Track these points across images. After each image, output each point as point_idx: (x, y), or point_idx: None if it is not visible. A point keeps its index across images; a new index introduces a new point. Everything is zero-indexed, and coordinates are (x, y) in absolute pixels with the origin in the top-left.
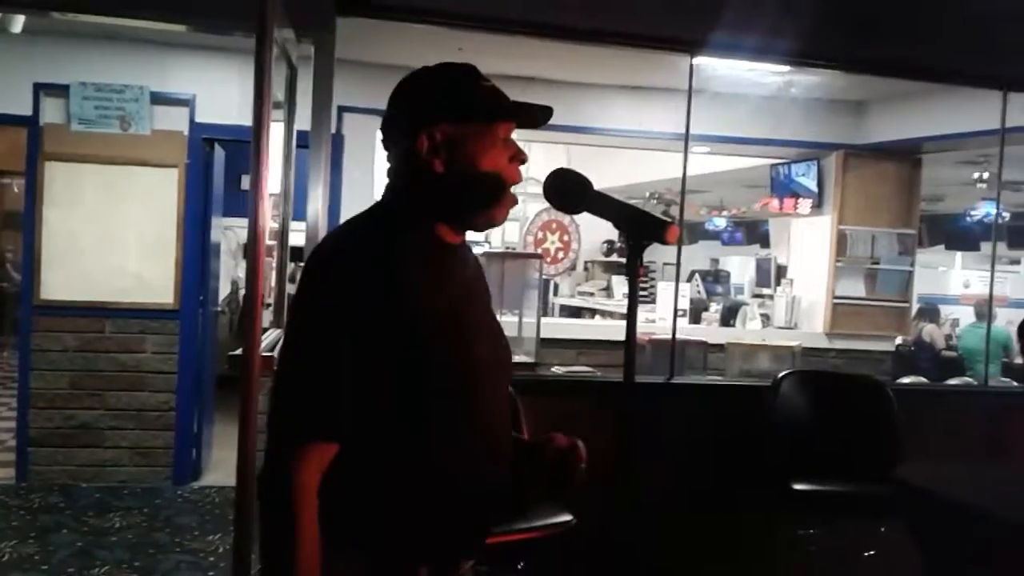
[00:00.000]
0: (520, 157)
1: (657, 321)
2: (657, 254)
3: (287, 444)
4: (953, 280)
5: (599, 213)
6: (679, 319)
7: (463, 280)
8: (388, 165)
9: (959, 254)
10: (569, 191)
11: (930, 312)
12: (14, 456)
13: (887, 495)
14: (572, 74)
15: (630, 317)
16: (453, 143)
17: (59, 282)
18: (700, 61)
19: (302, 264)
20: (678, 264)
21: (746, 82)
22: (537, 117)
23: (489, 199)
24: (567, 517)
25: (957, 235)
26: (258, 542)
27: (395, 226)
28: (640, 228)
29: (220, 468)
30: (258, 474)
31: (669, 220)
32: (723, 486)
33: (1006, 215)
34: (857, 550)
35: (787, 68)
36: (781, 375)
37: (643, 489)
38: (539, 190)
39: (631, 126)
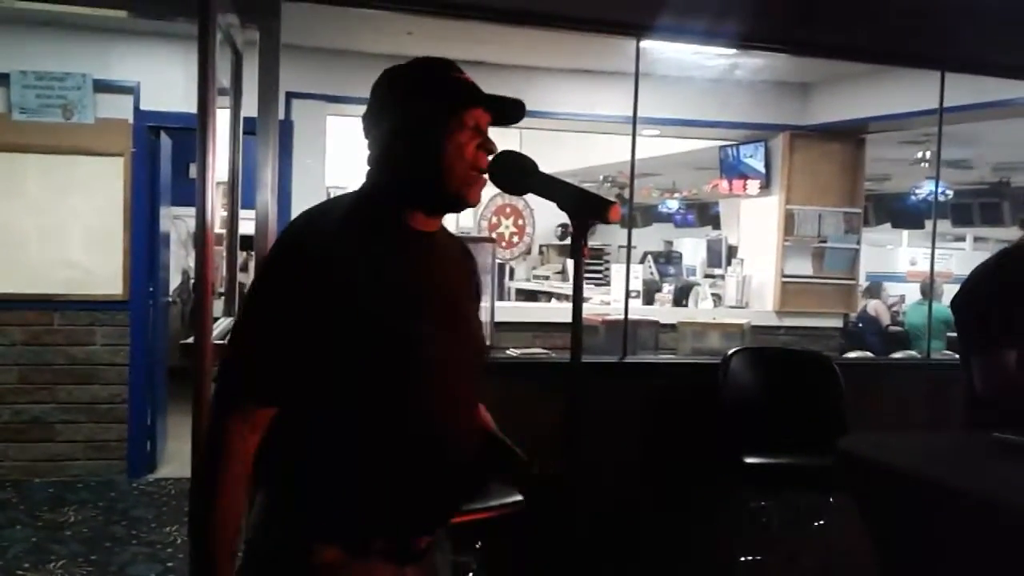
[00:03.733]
0: (487, 146)
1: (612, 303)
2: (611, 237)
3: (219, 402)
4: (900, 258)
5: (544, 194)
6: (632, 300)
7: (427, 266)
8: (368, 153)
9: (905, 232)
10: (514, 173)
11: (873, 288)
12: None
13: (833, 466)
14: (522, 58)
15: (576, 296)
16: (422, 131)
17: (4, 275)
18: (647, 44)
19: (252, 253)
20: (628, 246)
21: (693, 65)
22: (510, 110)
23: (456, 182)
24: (517, 497)
25: (903, 214)
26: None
27: (359, 209)
28: (584, 208)
29: (175, 460)
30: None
31: (611, 200)
32: (676, 461)
33: (949, 193)
34: (807, 520)
35: (733, 51)
36: (731, 352)
37: (598, 467)
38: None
39: (581, 110)
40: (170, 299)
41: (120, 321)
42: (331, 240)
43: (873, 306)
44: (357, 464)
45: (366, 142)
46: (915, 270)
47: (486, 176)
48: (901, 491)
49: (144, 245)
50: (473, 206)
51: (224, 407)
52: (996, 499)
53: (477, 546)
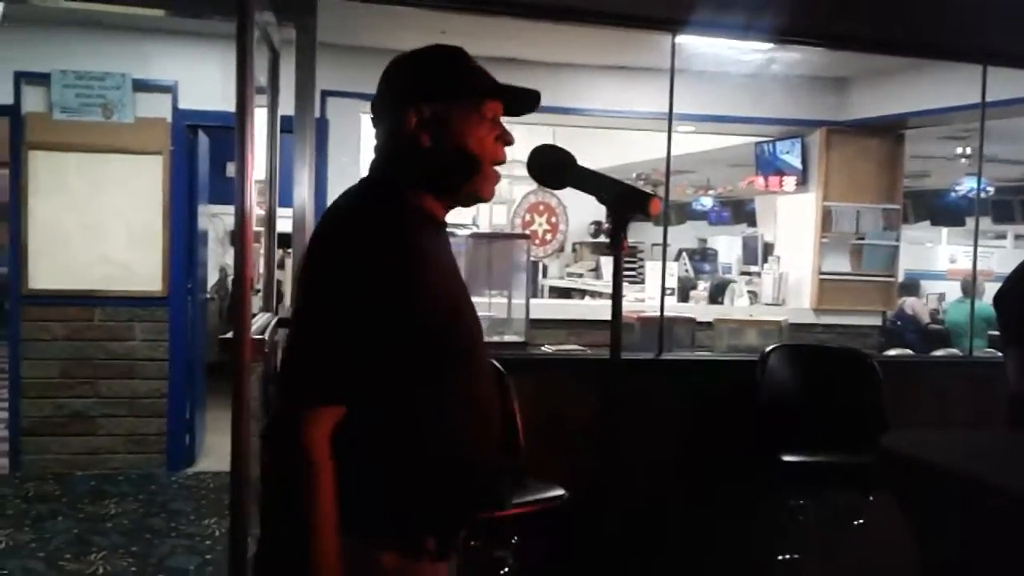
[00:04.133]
0: (505, 137)
1: (646, 300)
2: (645, 234)
3: (297, 405)
4: (940, 256)
5: (583, 188)
6: (667, 298)
7: (453, 255)
8: (375, 142)
9: (945, 230)
10: (553, 166)
11: (909, 286)
12: (7, 446)
13: (873, 464)
14: (556, 55)
15: (616, 290)
16: (440, 120)
17: (46, 272)
18: (682, 40)
19: (290, 250)
20: (664, 242)
21: (729, 60)
22: (524, 99)
23: (473, 174)
24: (559, 492)
25: (942, 211)
26: (264, 509)
27: (397, 200)
28: (623, 202)
29: (214, 453)
30: (262, 432)
31: (652, 194)
32: (713, 459)
33: (990, 190)
34: (846, 519)
35: (769, 46)
36: (768, 349)
37: (634, 463)
38: (525, 171)
39: (615, 106)
40: (208, 296)
41: (159, 317)
42: (384, 235)
43: (910, 304)
44: (416, 459)
45: (375, 130)
46: (955, 268)
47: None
48: (942, 488)
49: (183, 242)
50: (487, 201)
51: (304, 407)
52: None
53: (513, 541)
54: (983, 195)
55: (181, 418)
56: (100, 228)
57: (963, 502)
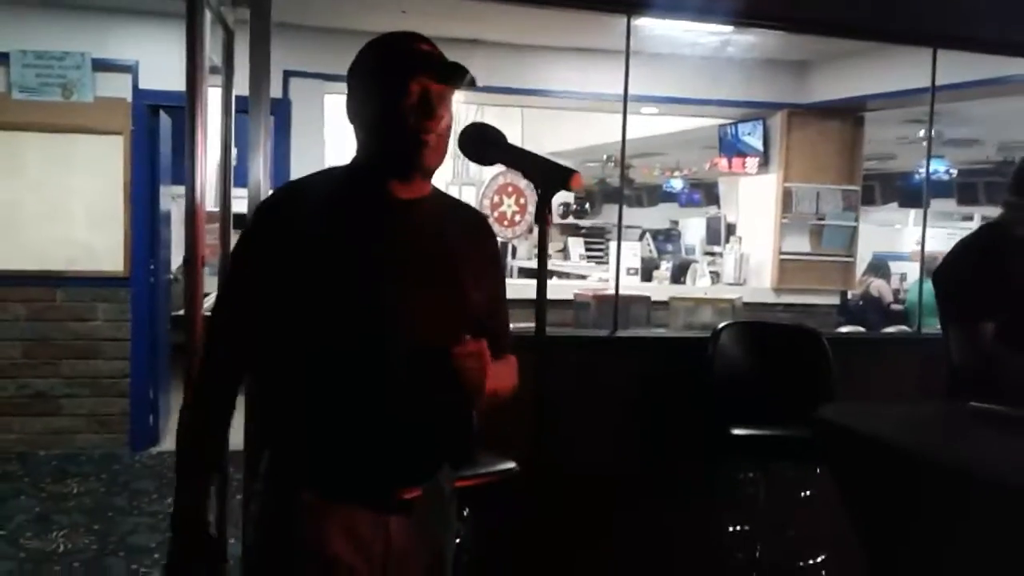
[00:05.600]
0: (427, 111)
1: (610, 280)
2: (614, 215)
3: (205, 362)
4: (907, 237)
5: (510, 164)
6: (631, 277)
7: (402, 231)
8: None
9: (912, 211)
10: (482, 143)
11: (879, 267)
12: None
13: (814, 436)
14: (518, 36)
15: (541, 268)
16: (370, 99)
17: (7, 252)
18: (644, 22)
19: None
20: (620, 222)
21: (690, 43)
22: (449, 72)
23: (399, 146)
24: (510, 465)
25: (908, 192)
26: None
27: (341, 179)
28: (548, 177)
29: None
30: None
31: (573, 169)
32: (666, 434)
33: (953, 172)
34: (794, 491)
35: (729, 29)
36: (720, 326)
37: (587, 438)
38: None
39: (579, 88)
40: (172, 276)
41: (121, 298)
42: (303, 207)
43: (876, 286)
44: (327, 415)
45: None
46: (918, 250)
47: (437, 143)
48: (875, 459)
49: (144, 223)
50: (426, 169)
51: (211, 364)
52: (969, 467)
53: (465, 513)
54: (946, 177)
55: (144, 398)
56: (61, 208)
57: (897, 473)
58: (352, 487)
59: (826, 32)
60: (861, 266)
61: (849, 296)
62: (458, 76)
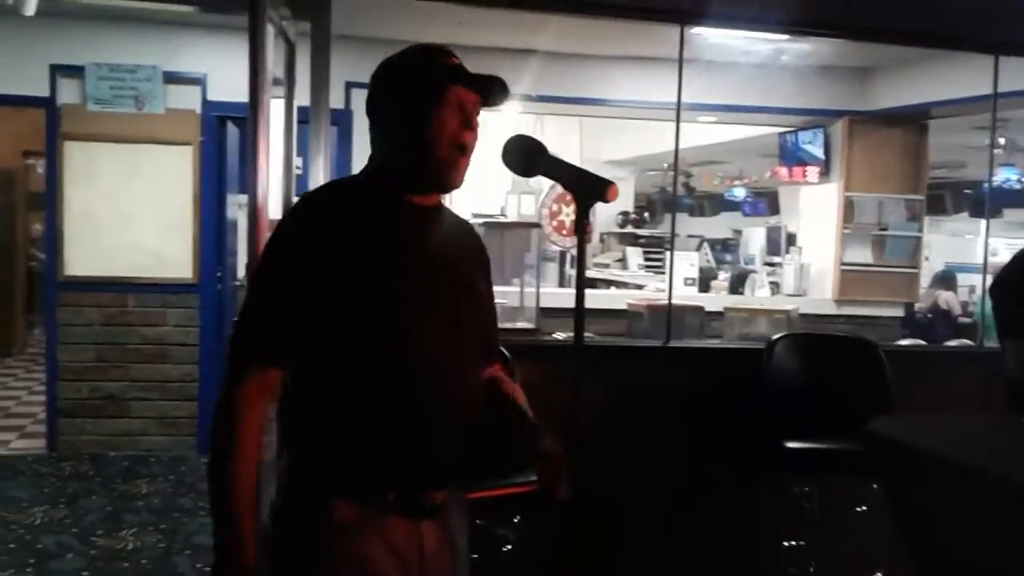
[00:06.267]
0: (469, 123)
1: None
2: (676, 225)
3: (233, 364)
4: (980, 248)
5: (551, 175)
6: (688, 288)
7: (423, 237)
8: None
9: (983, 221)
10: (522, 155)
11: (946, 279)
12: (45, 427)
13: (865, 450)
14: (574, 46)
15: (579, 278)
16: (407, 114)
17: (81, 259)
18: (704, 30)
19: None
20: (672, 232)
21: (750, 50)
22: (490, 87)
23: (438, 157)
24: None
25: (979, 202)
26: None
27: (362, 186)
28: (584, 188)
29: None
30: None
31: (609, 180)
32: (718, 445)
33: None
34: (849, 505)
35: (783, 36)
36: (775, 337)
37: (639, 448)
38: None
39: (636, 96)
40: (238, 283)
41: (190, 303)
42: (334, 212)
43: (945, 298)
44: (364, 422)
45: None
46: (996, 261)
47: (467, 158)
48: (925, 473)
49: (212, 230)
50: (454, 187)
51: (238, 369)
52: (1019, 481)
53: (515, 520)
54: (1020, 186)
55: (211, 402)
56: (133, 216)
57: (946, 487)
58: (391, 494)
59: (884, 39)
60: (928, 277)
61: (916, 308)
62: (497, 89)
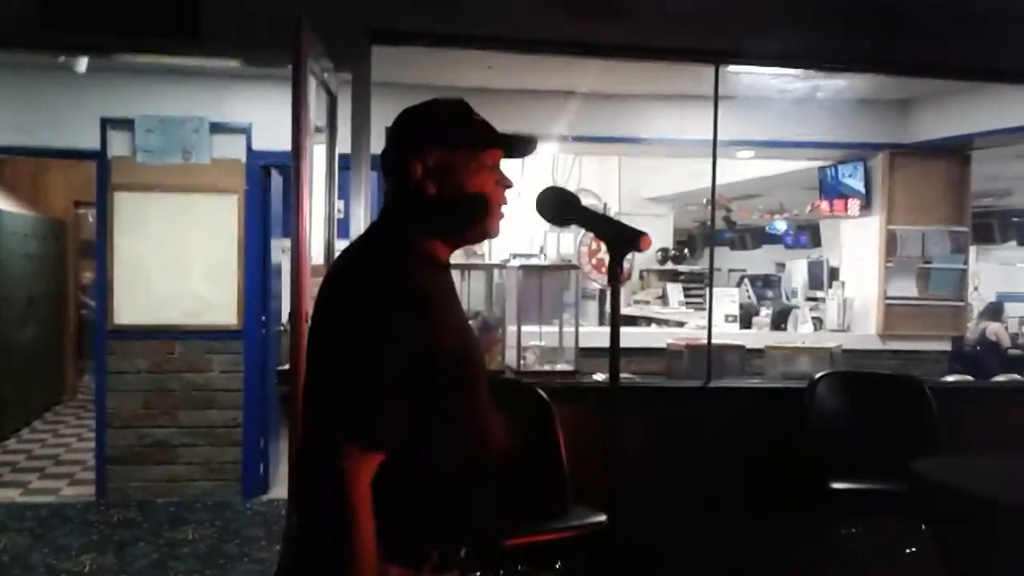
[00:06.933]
0: (504, 182)
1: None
2: (717, 260)
3: (340, 451)
4: None
5: (585, 225)
6: (730, 325)
7: (454, 291)
8: (385, 190)
9: None
10: (558, 207)
11: (993, 310)
12: (94, 474)
13: (912, 491)
14: (611, 86)
15: (614, 321)
16: (443, 169)
17: (130, 307)
18: (735, 68)
19: None
20: (711, 267)
21: (788, 86)
22: (522, 145)
23: (477, 216)
24: (601, 517)
25: None
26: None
27: (404, 245)
28: (617, 238)
29: (286, 481)
30: (299, 476)
31: (642, 232)
32: (762, 487)
33: None
34: (899, 547)
35: (817, 72)
36: (818, 376)
37: (680, 490)
38: (591, 200)
39: (673, 134)
40: (282, 328)
41: (235, 349)
42: (411, 284)
43: (993, 329)
44: (420, 480)
45: (385, 180)
46: None
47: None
48: (970, 515)
49: (257, 276)
50: (493, 237)
51: (347, 457)
52: None
53: (557, 566)
54: None
55: (255, 447)
56: (180, 264)
57: (988, 526)
58: (436, 550)
59: (923, 74)
60: (979, 308)
61: (964, 341)
62: (526, 147)
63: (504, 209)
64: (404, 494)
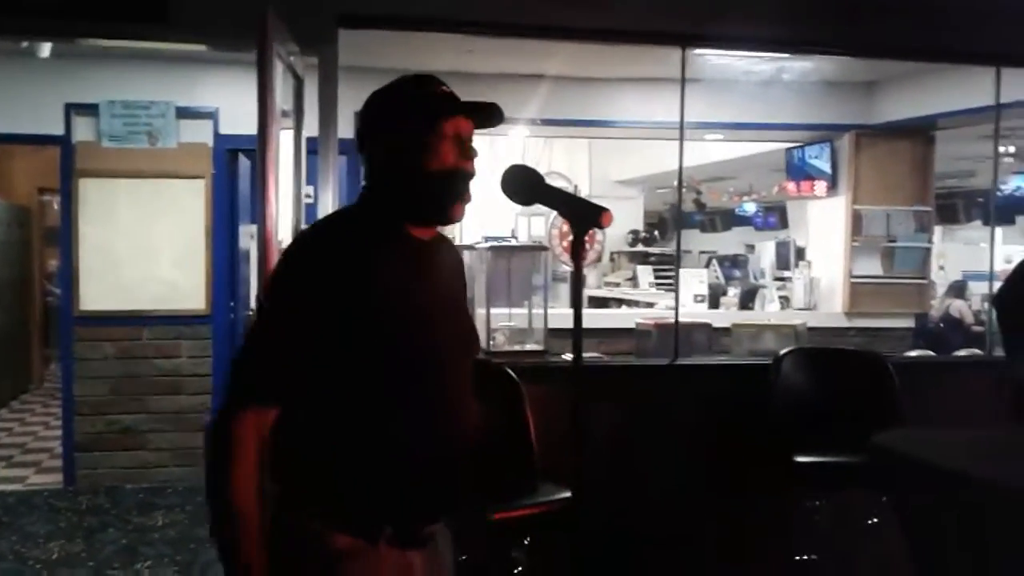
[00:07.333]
0: (468, 153)
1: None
2: (688, 242)
3: (230, 400)
4: (996, 256)
5: (548, 203)
6: (698, 304)
7: (424, 270)
8: (362, 169)
9: (1000, 229)
10: (521, 185)
11: (957, 288)
12: (62, 462)
13: (872, 464)
14: (581, 70)
15: (575, 299)
16: (403, 147)
17: (97, 293)
18: (705, 51)
19: None
20: (678, 250)
21: (754, 68)
22: (486, 112)
23: (436, 195)
24: (566, 494)
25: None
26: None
27: (360, 220)
28: (579, 215)
29: None
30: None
31: (604, 208)
32: (728, 461)
33: None
34: (861, 519)
35: (783, 55)
36: (783, 352)
37: (648, 466)
38: (561, 183)
39: (642, 117)
40: (250, 312)
41: (203, 334)
42: (335, 250)
43: (956, 307)
44: (365, 458)
45: (360, 159)
46: (1006, 268)
47: (469, 190)
48: (928, 485)
49: (225, 261)
50: (455, 221)
51: (235, 405)
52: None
53: (525, 542)
54: (1019, 194)
55: None
56: (147, 250)
57: (944, 496)
58: (387, 528)
59: (886, 55)
60: (941, 288)
61: (929, 318)
62: (492, 114)
63: (470, 183)
64: (351, 466)
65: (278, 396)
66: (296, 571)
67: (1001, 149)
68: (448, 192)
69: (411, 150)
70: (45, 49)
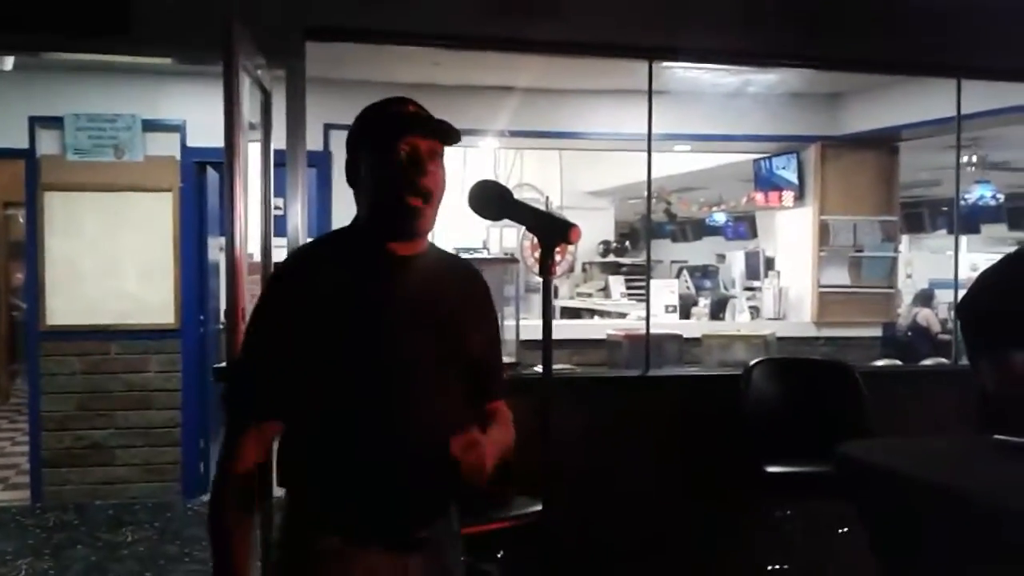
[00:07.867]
0: (423, 170)
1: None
2: (659, 252)
3: (232, 421)
4: (961, 264)
5: (516, 219)
6: (669, 315)
7: (401, 285)
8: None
9: (965, 238)
10: (488, 201)
11: (924, 297)
12: (28, 478)
13: (838, 473)
14: (550, 82)
15: (545, 313)
16: (364, 169)
17: (63, 308)
18: (672, 64)
19: None
20: (648, 260)
21: (723, 80)
22: (437, 131)
23: (388, 214)
24: (537, 507)
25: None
26: None
27: (344, 239)
28: (547, 230)
29: None
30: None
31: (572, 223)
32: (699, 472)
33: (1000, 196)
34: (832, 528)
35: (748, 68)
36: (752, 363)
37: (621, 477)
38: (532, 195)
39: (611, 128)
40: (221, 327)
41: (172, 348)
42: (314, 271)
43: (924, 315)
44: (344, 465)
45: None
46: (972, 276)
47: (429, 202)
48: (892, 493)
49: (193, 275)
50: (422, 233)
51: (235, 426)
52: (993, 500)
53: (499, 555)
54: (995, 202)
55: (195, 447)
56: (114, 264)
57: (915, 506)
58: (374, 530)
59: (849, 68)
60: (909, 296)
61: (896, 327)
62: (443, 132)
63: (430, 200)
64: (327, 471)
65: (274, 410)
66: (287, 570)
67: (963, 159)
68: (408, 208)
69: (375, 171)
70: (8, 62)
